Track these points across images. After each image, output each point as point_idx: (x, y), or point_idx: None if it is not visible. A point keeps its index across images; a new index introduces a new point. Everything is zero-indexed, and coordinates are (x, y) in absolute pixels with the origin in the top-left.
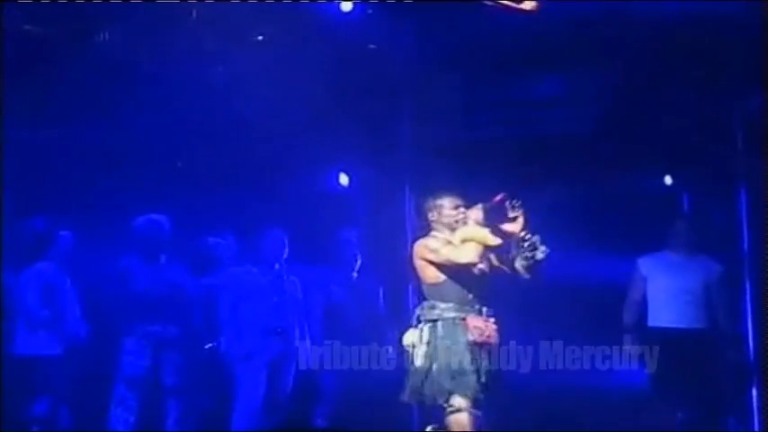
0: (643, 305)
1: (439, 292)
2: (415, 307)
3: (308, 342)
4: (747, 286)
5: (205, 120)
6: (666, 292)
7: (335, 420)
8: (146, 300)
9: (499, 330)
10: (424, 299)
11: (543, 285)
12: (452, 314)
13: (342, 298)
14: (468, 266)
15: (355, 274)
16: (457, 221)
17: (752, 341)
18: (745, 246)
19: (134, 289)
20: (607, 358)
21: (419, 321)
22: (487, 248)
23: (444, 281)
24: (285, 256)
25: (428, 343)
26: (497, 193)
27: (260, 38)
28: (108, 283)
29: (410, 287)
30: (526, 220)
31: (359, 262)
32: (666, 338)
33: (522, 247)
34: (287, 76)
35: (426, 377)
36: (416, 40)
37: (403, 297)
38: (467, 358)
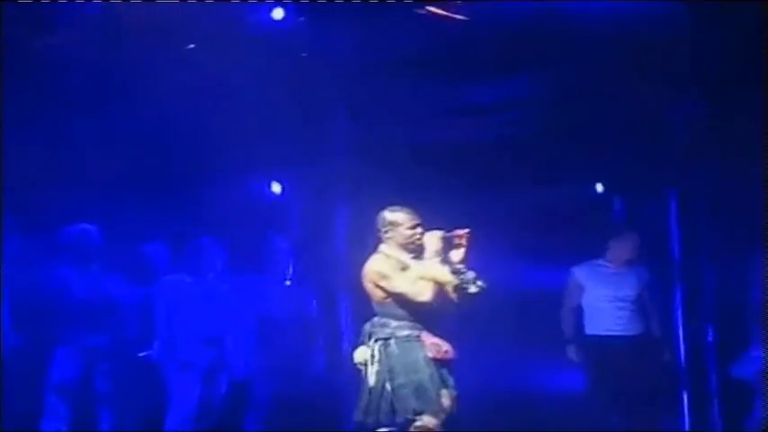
0: (579, 314)
1: (391, 310)
2: (347, 317)
3: (241, 351)
4: (678, 292)
5: (138, 128)
6: (602, 300)
7: (266, 429)
8: (78, 309)
9: (454, 345)
10: (375, 315)
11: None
12: (406, 332)
13: (274, 307)
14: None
15: (288, 283)
16: (413, 243)
17: (682, 347)
18: (677, 253)
19: (66, 298)
20: (549, 366)
21: (370, 338)
22: (443, 286)
23: (395, 301)
24: (219, 264)
25: (380, 361)
26: (461, 227)
27: (191, 46)
28: (40, 293)
29: (343, 295)
30: (467, 253)
31: (291, 270)
32: (603, 345)
33: (458, 277)
34: (219, 85)
35: (382, 395)
36: (349, 47)
37: (335, 305)
38: (427, 374)
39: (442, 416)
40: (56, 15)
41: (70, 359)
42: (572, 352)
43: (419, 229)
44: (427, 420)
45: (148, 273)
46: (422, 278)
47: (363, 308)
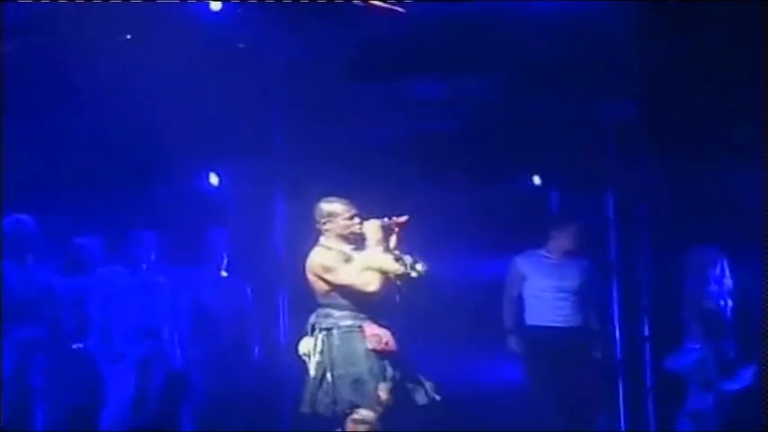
0: (520, 304)
1: (334, 300)
2: (283, 308)
3: (176, 342)
4: (615, 285)
5: (74, 119)
6: (543, 290)
7: (203, 420)
8: (12, 301)
9: (395, 337)
10: (319, 306)
11: (425, 288)
12: (348, 322)
13: (210, 298)
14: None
15: (224, 274)
16: (352, 233)
17: (619, 339)
18: (614, 246)
19: (1, 290)
20: (490, 357)
21: (314, 329)
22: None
23: (338, 293)
24: (153, 256)
25: (322, 352)
26: (400, 214)
27: (128, 36)
28: None
29: (279, 288)
30: (399, 239)
31: (226, 261)
32: (543, 336)
33: (400, 264)
34: (156, 76)
35: (321, 386)
36: (287, 39)
37: (271, 297)
38: (365, 367)
39: (379, 409)
40: None
41: (5, 352)
42: (513, 342)
43: (357, 219)
44: (365, 414)
45: (83, 264)
46: (367, 269)
47: (300, 299)
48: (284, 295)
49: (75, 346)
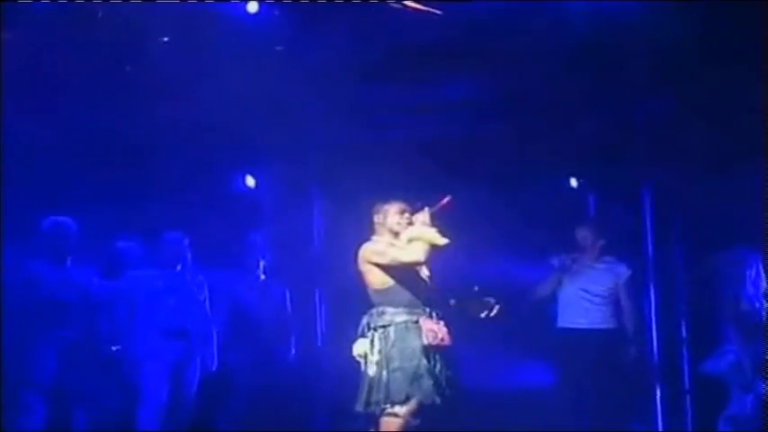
0: (554, 307)
1: (388, 297)
2: (321, 311)
3: (213, 344)
4: (651, 288)
5: (110, 121)
6: (574, 293)
7: (240, 422)
8: (51, 303)
9: (450, 333)
10: (372, 306)
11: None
12: (404, 318)
13: (248, 301)
14: (414, 266)
15: (262, 276)
16: (400, 225)
17: (655, 342)
18: (650, 249)
19: (40, 292)
20: (524, 359)
21: (369, 329)
22: (435, 248)
23: (392, 285)
24: (191, 258)
25: (380, 351)
26: (443, 197)
27: (165, 39)
28: (14, 287)
29: (317, 290)
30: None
31: (263, 264)
32: (575, 338)
33: None
34: (193, 78)
35: (381, 385)
36: (323, 40)
37: (309, 299)
38: (423, 362)
39: (428, 402)
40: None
41: (43, 354)
42: (541, 344)
43: (406, 215)
44: (399, 408)
45: (121, 266)
46: (412, 239)
47: (337, 301)
48: (322, 298)
49: (111, 349)
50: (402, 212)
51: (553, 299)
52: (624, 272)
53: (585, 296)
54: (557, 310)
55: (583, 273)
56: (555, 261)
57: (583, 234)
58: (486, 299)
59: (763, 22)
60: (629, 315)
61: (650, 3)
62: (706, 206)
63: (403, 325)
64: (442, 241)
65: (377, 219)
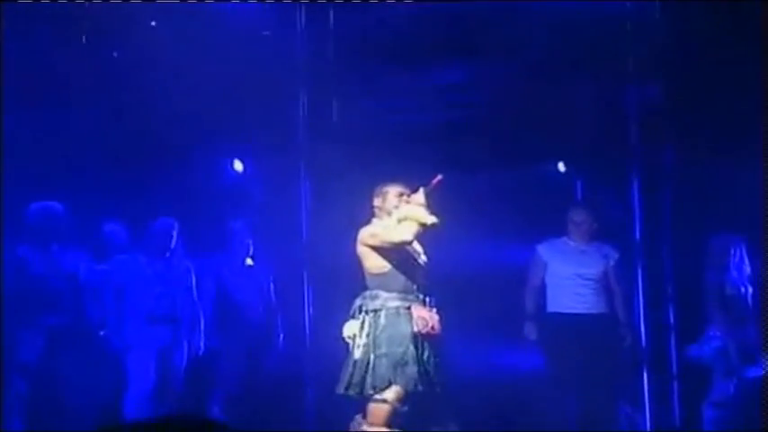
0: (542, 291)
1: (382, 282)
2: (308, 296)
3: (200, 330)
4: (639, 273)
5: (96, 106)
6: (564, 277)
7: (227, 407)
8: (38, 288)
9: (441, 321)
10: (366, 288)
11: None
12: (396, 303)
13: (235, 286)
14: (408, 249)
15: (249, 262)
16: (397, 207)
17: (643, 327)
18: (638, 234)
19: (27, 277)
20: (513, 345)
21: (360, 311)
22: (424, 227)
23: (389, 270)
24: (177, 243)
25: (368, 334)
26: (434, 176)
27: (153, 23)
28: (2, 272)
29: (304, 275)
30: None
31: (251, 249)
32: (563, 323)
33: None
34: (180, 63)
35: (367, 368)
36: (312, 26)
37: (296, 285)
38: (410, 349)
39: (411, 390)
40: None
41: (31, 338)
42: (530, 330)
43: (404, 197)
44: (387, 394)
45: (107, 252)
46: (403, 219)
47: (324, 287)
48: (309, 283)
49: (97, 334)
50: (400, 195)
51: (541, 284)
52: (613, 254)
53: (577, 280)
54: (545, 295)
55: (573, 257)
56: (542, 245)
57: (572, 217)
58: None
59: (756, 11)
60: (619, 299)
61: None
62: (694, 192)
63: (394, 310)
64: (431, 220)
65: (376, 202)
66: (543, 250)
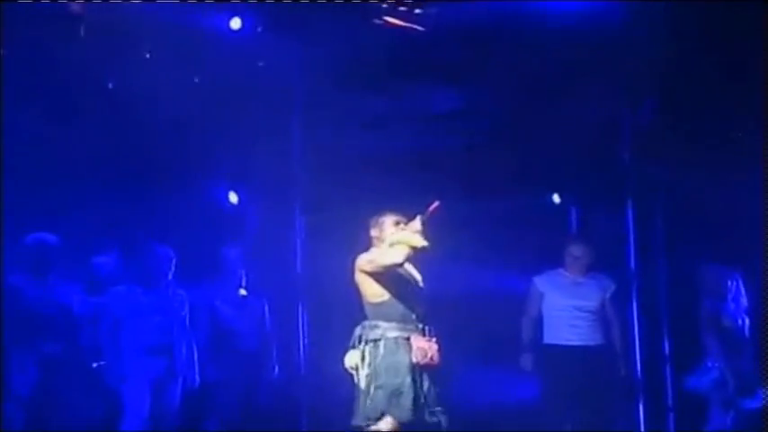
0: (539, 323)
1: (382, 311)
2: (303, 325)
3: (194, 360)
4: (634, 303)
5: (91, 134)
6: (559, 309)
7: None
8: (34, 318)
9: (440, 351)
10: (365, 318)
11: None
12: (396, 333)
13: (228, 315)
14: (398, 272)
15: (243, 291)
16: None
17: (638, 358)
18: (632, 263)
19: (22, 307)
20: (510, 375)
21: (360, 341)
22: (416, 251)
23: (387, 299)
24: (172, 273)
25: (369, 364)
26: (431, 203)
27: (148, 55)
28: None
29: (299, 305)
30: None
31: (244, 279)
32: (559, 355)
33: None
34: (176, 93)
35: (366, 398)
36: (307, 56)
37: (290, 314)
38: (407, 380)
39: (401, 422)
40: None
41: (26, 368)
42: (525, 361)
43: (401, 226)
44: (380, 425)
45: (102, 282)
46: (396, 242)
47: (319, 315)
48: (304, 311)
49: (92, 365)
50: (397, 224)
51: (537, 315)
52: (610, 285)
53: (573, 312)
54: (541, 327)
55: (569, 289)
56: (539, 277)
57: (571, 251)
58: None
59: (754, 23)
60: (616, 330)
61: (634, 10)
62: (690, 219)
63: (393, 340)
64: (421, 243)
65: (373, 232)
66: (540, 282)
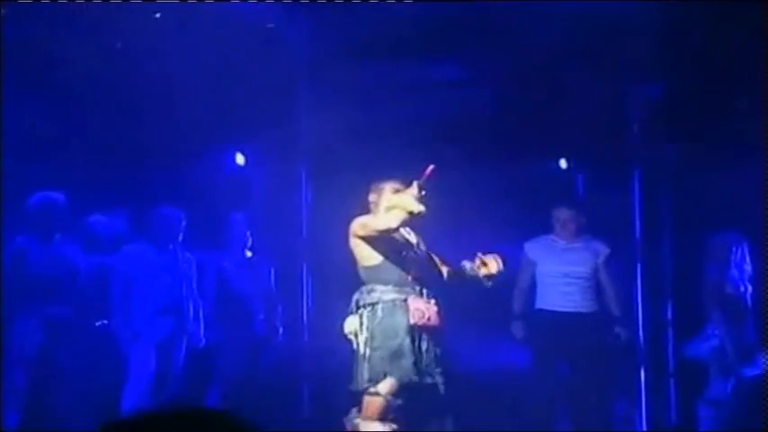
0: (531, 290)
1: (377, 275)
2: (308, 288)
3: (200, 322)
4: (638, 271)
5: (100, 97)
6: (551, 275)
7: (226, 399)
8: (39, 279)
9: (439, 313)
10: (362, 283)
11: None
12: (392, 296)
13: (234, 278)
14: (389, 233)
15: (249, 254)
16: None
17: (641, 323)
18: (638, 230)
19: (27, 267)
20: (505, 344)
21: (358, 307)
22: (412, 215)
23: (381, 262)
24: (178, 235)
25: (368, 328)
26: (426, 166)
27: (157, 15)
28: (5, 263)
29: (303, 267)
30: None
31: (250, 241)
32: (553, 321)
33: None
34: (182, 56)
35: (363, 362)
36: (313, 23)
37: (296, 277)
38: (406, 341)
39: (406, 382)
40: None
41: (29, 329)
42: (517, 328)
43: (400, 192)
44: (380, 387)
45: (108, 243)
46: (391, 207)
47: (323, 280)
48: (308, 274)
49: (98, 324)
50: (396, 191)
51: (530, 283)
52: (603, 250)
53: (564, 279)
54: (533, 294)
55: (559, 255)
56: (529, 243)
57: (557, 215)
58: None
59: (757, 10)
60: (611, 296)
61: None
62: (694, 190)
63: (390, 303)
64: (417, 208)
65: (372, 197)
66: (529, 249)
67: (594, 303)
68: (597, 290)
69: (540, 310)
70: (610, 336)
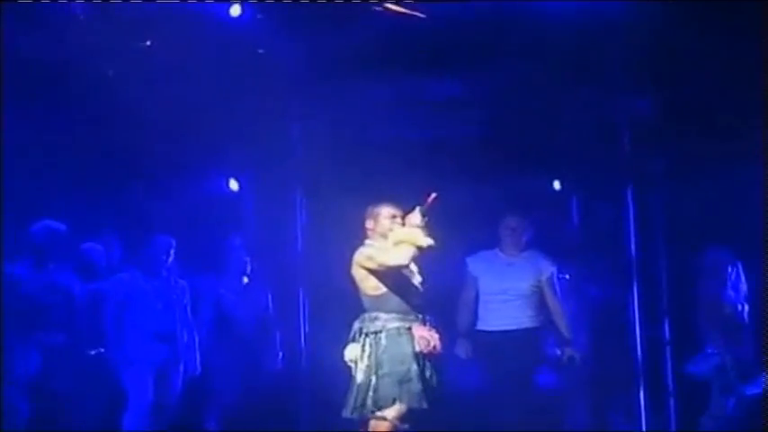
0: (474, 307)
1: (381, 304)
2: (304, 314)
3: (197, 348)
4: (635, 288)
5: (93, 123)
6: (490, 292)
7: (223, 426)
8: (36, 305)
9: (441, 340)
10: (364, 310)
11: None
12: (396, 324)
13: (231, 304)
14: (403, 271)
15: (245, 279)
16: (391, 230)
17: (639, 343)
18: (633, 249)
19: (24, 294)
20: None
21: (360, 334)
22: (420, 250)
23: (385, 292)
24: (174, 261)
25: (369, 356)
26: (429, 194)
27: (148, 42)
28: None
29: (300, 292)
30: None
31: (247, 267)
32: (492, 341)
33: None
34: (176, 81)
35: (369, 389)
36: (307, 44)
37: (292, 302)
38: (413, 367)
39: (414, 407)
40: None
41: (28, 355)
42: (460, 347)
43: (398, 219)
44: (388, 412)
45: (103, 269)
46: (399, 242)
47: (320, 304)
48: (306, 300)
49: (95, 351)
50: (393, 216)
51: (474, 299)
52: (548, 267)
53: (503, 296)
54: (475, 311)
55: (500, 270)
56: (471, 257)
57: (505, 221)
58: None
59: (753, 17)
60: (557, 313)
61: (633, 2)
62: (690, 206)
63: (395, 331)
64: (427, 242)
65: (368, 224)
66: (471, 263)
67: (538, 319)
68: (540, 305)
69: (482, 330)
70: (552, 353)
